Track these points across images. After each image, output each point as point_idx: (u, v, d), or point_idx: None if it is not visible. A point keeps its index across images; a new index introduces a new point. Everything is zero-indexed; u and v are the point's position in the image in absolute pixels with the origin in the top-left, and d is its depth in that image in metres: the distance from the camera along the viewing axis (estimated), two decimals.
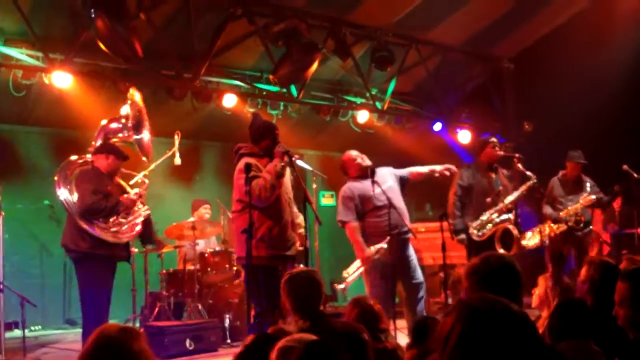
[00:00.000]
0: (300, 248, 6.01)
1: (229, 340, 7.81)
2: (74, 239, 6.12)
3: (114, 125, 6.61)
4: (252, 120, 5.98)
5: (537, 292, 4.49)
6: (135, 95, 6.89)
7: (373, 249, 6.50)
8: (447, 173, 7.07)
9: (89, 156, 6.45)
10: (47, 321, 9.59)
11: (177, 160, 7.38)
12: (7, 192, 9.51)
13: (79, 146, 6.53)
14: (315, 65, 8.70)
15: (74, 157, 6.29)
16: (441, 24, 9.96)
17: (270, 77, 8.93)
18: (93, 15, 6.88)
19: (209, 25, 8.40)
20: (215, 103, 8.98)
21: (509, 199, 7.23)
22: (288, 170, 5.79)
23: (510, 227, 7.13)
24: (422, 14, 9.39)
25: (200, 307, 8.04)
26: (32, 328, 9.06)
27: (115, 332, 2.34)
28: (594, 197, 8.23)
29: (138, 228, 6.52)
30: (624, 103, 9.53)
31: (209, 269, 8.36)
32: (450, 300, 6.23)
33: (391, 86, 10.38)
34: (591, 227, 8.62)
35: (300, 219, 6.01)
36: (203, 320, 7.80)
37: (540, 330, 3.62)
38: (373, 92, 10.32)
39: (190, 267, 8.37)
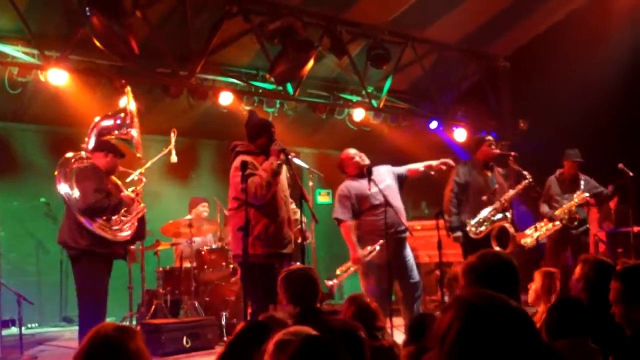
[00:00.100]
0: (305, 242, 6.06)
1: (225, 338, 7.82)
2: (73, 236, 6.10)
3: (109, 122, 6.56)
4: (248, 118, 5.99)
5: (534, 286, 4.50)
6: (130, 92, 6.88)
7: (367, 249, 6.53)
8: (444, 167, 7.07)
9: (83, 153, 6.41)
10: (44, 319, 9.61)
11: (174, 158, 7.37)
12: (3, 190, 9.54)
13: (74, 143, 6.50)
14: (311, 63, 8.71)
15: (70, 154, 6.26)
16: (437, 22, 9.97)
17: (267, 76, 8.94)
18: (88, 13, 6.88)
19: (204, 23, 8.41)
20: (212, 101, 8.97)
21: (505, 197, 7.25)
22: (284, 168, 5.80)
23: (507, 225, 7.15)
24: (418, 12, 9.39)
25: (197, 304, 8.04)
26: (29, 325, 9.09)
27: (111, 330, 2.34)
28: (587, 194, 8.25)
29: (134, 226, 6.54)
30: (619, 101, 9.54)
31: (205, 267, 8.37)
32: (446, 298, 6.23)
33: (387, 84, 10.38)
34: (587, 225, 8.64)
35: (297, 214, 6.01)
36: (200, 317, 7.80)
37: (537, 325, 3.64)
38: (369, 90, 10.32)
39: (187, 264, 8.37)
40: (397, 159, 7.65)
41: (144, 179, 6.75)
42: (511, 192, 7.32)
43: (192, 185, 11.05)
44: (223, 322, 7.91)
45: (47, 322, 9.63)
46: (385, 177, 6.78)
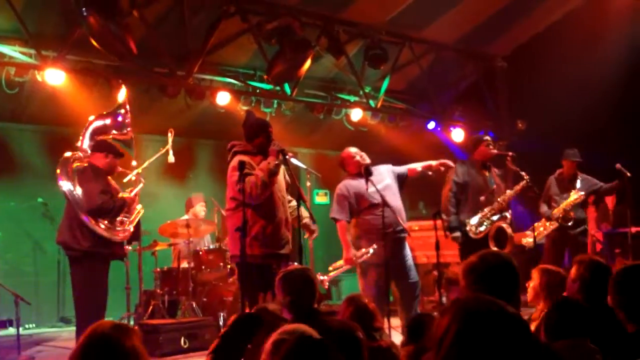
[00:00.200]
0: (313, 237, 6.16)
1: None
2: (75, 236, 6.06)
3: (106, 121, 6.52)
4: (245, 118, 5.98)
5: (532, 284, 4.50)
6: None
7: (361, 251, 6.55)
8: (442, 169, 7.09)
9: (80, 154, 6.38)
10: (41, 319, 9.60)
11: (171, 158, 7.38)
12: (0, 190, 9.53)
13: (72, 143, 6.49)
14: (308, 63, 8.71)
15: (68, 154, 6.24)
16: (434, 22, 9.97)
17: (265, 77, 8.95)
18: (85, 13, 6.87)
19: (202, 23, 8.40)
20: (209, 101, 8.97)
21: (504, 197, 7.25)
22: (282, 169, 5.79)
23: (504, 225, 7.15)
24: (416, 12, 9.39)
25: (194, 305, 8.03)
26: (27, 326, 9.07)
27: (108, 329, 2.34)
28: (582, 193, 8.27)
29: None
30: (617, 101, 9.54)
31: (203, 267, 8.36)
32: (444, 299, 6.23)
33: (384, 84, 10.38)
34: (585, 226, 8.65)
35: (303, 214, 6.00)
36: (197, 318, 7.79)
37: (537, 323, 3.64)
38: (366, 90, 10.32)
39: (184, 265, 8.36)
40: (394, 159, 7.65)
41: (142, 180, 6.75)
42: (509, 192, 7.32)
43: (190, 185, 11.03)
44: (221, 323, 7.89)
45: (45, 322, 9.62)
46: (385, 176, 6.79)
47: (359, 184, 6.59)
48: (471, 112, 11.40)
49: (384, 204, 6.33)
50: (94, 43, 7.08)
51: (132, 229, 6.51)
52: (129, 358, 2.28)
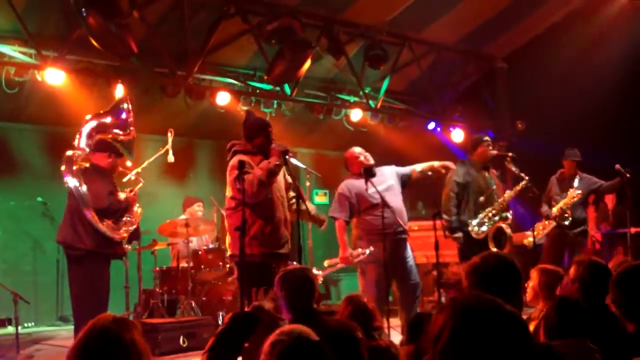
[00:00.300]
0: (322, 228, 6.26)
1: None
2: (78, 236, 6.05)
3: (106, 119, 6.50)
4: (245, 118, 5.98)
5: (531, 284, 4.51)
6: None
7: (358, 251, 6.57)
8: (443, 171, 7.11)
9: (79, 152, 6.34)
10: (40, 318, 9.60)
11: (171, 158, 7.38)
12: (0, 189, 9.53)
13: (71, 143, 6.49)
14: (308, 63, 8.71)
15: (70, 152, 6.23)
16: (434, 23, 9.97)
17: (265, 78, 8.95)
18: (85, 14, 6.88)
19: (202, 23, 8.41)
20: (209, 101, 8.98)
21: (504, 198, 7.25)
22: (283, 169, 5.79)
23: (504, 225, 7.15)
24: (416, 12, 9.39)
25: (193, 304, 8.04)
26: (25, 325, 9.07)
27: (109, 322, 2.34)
28: (579, 192, 8.28)
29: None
30: (617, 102, 9.55)
31: (202, 267, 8.37)
32: (443, 299, 6.25)
33: (384, 85, 10.38)
34: (585, 226, 8.66)
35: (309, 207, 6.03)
36: (196, 317, 7.80)
37: (535, 323, 3.65)
38: (366, 91, 10.32)
39: (183, 264, 8.37)
40: (394, 160, 7.66)
41: (141, 180, 6.75)
42: (509, 193, 7.33)
43: (189, 185, 11.05)
44: (220, 322, 7.90)
45: (44, 321, 9.62)
46: (388, 177, 6.81)
47: (360, 184, 6.60)
48: (471, 112, 11.40)
49: (384, 204, 6.34)
50: (94, 43, 7.08)
51: (130, 229, 6.52)
52: (128, 351, 2.28)
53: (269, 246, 5.58)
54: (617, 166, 8.13)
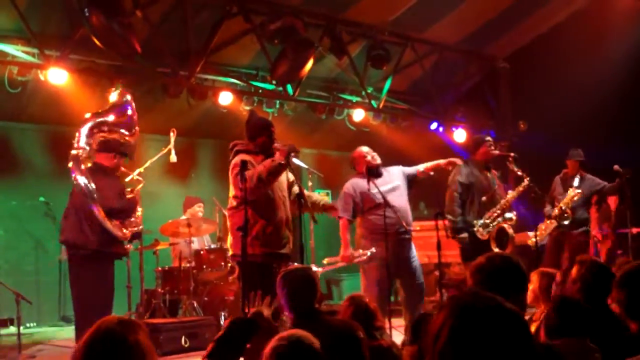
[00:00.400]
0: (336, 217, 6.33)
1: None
2: (85, 236, 6.01)
3: (108, 118, 6.48)
4: (248, 117, 5.98)
5: (531, 287, 4.51)
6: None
7: (360, 251, 6.58)
8: (450, 167, 7.11)
9: (81, 152, 6.31)
10: (42, 318, 9.61)
11: (173, 158, 7.38)
12: (2, 189, 9.55)
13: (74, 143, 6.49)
14: (310, 63, 8.71)
15: (75, 151, 6.21)
16: (437, 23, 9.97)
17: (269, 78, 8.96)
18: (87, 14, 6.88)
19: (205, 23, 8.41)
20: (211, 101, 8.98)
21: (508, 198, 7.23)
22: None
23: (505, 225, 7.13)
24: (418, 12, 9.39)
25: (195, 304, 8.03)
26: (28, 325, 9.08)
27: (114, 324, 2.33)
28: (579, 191, 8.28)
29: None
30: (620, 103, 9.54)
31: (204, 267, 8.37)
32: (445, 299, 6.25)
33: (387, 85, 10.39)
34: (587, 227, 8.66)
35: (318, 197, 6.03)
36: (198, 317, 7.79)
37: (536, 325, 3.64)
38: (369, 91, 10.32)
39: (185, 264, 8.37)
40: (396, 160, 7.66)
41: (142, 180, 6.75)
42: (512, 193, 7.31)
43: (192, 185, 11.05)
44: (222, 322, 7.89)
45: (46, 321, 9.63)
46: (395, 178, 6.83)
47: (365, 183, 6.60)
48: (473, 112, 11.40)
49: (386, 204, 6.35)
50: (97, 42, 7.09)
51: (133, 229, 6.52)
52: (133, 353, 2.27)
53: (271, 246, 5.58)
54: (616, 167, 8.12)
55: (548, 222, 8.34)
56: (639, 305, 3.17)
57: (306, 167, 6.21)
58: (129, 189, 6.61)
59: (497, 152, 7.52)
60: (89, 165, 6.22)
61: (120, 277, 7.44)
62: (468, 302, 1.74)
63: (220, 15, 8.35)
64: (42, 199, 9.52)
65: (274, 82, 9.06)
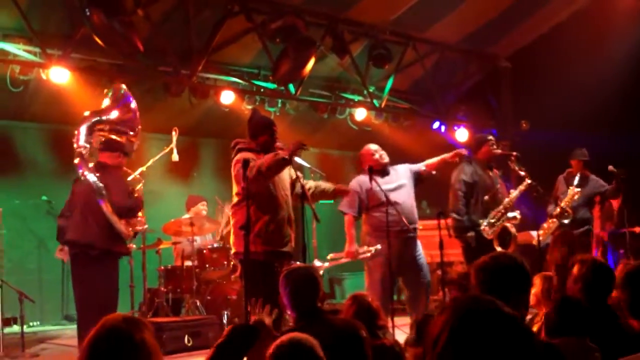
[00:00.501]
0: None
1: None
2: (93, 235, 5.98)
3: (113, 114, 6.45)
4: (250, 115, 5.98)
5: (534, 290, 4.51)
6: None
7: (365, 248, 6.59)
8: (456, 159, 7.12)
9: (82, 150, 6.28)
10: (46, 317, 9.61)
11: (175, 157, 7.37)
12: (5, 188, 9.55)
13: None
14: (312, 62, 8.72)
15: (79, 149, 6.19)
16: (438, 23, 9.98)
17: (271, 78, 8.96)
18: (88, 13, 6.89)
19: (206, 22, 8.41)
20: (213, 100, 8.98)
21: (511, 197, 7.22)
22: (286, 169, 5.78)
23: (508, 225, 7.13)
24: (420, 12, 9.40)
25: (198, 303, 8.04)
26: (31, 324, 9.10)
27: (119, 322, 2.33)
28: (578, 189, 8.28)
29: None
30: (621, 102, 9.54)
31: (207, 265, 8.37)
32: (447, 298, 6.25)
33: (389, 84, 10.39)
34: (589, 226, 8.66)
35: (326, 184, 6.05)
36: (201, 316, 7.80)
37: (538, 327, 3.65)
38: (370, 90, 10.33)
39: (188, 263, 8.37)
40: (398, 159, 7.65)
41: (142, 179, 6.75)
42: (514, 192, 7.31)
43: (194, 184, 11.05)
44: (224, 321, 7.90)
45: (49, 320, 9.64)
46: (402, 176, 6.86)
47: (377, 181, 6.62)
48: (475, 112, 11.41)
49: (388, 203, 6.35)
50: (99, 41, 7.09)
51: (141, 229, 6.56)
52: (138, 351, 2.27)
53: (272, 244, 5.58)
54: (610, 167, 8.14)
55: (550, 221, 8.34)
56: None
57: (308, 166, 6.21)
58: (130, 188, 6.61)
59: (499, 151, 7.51)
60: (92, 164, 6.22)
61: (123, 276, 7.43)
62: (468, 306, 1.75)
63: (222, 14, 8.36)
64: (44, 197, 9.53)
65: (276, 82, 9.06)
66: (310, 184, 6.03)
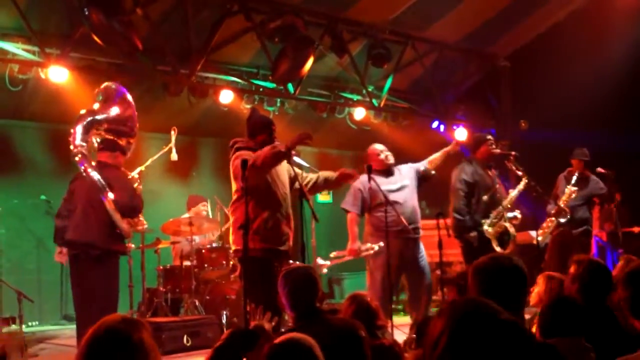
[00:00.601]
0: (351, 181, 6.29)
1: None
2: (96, 235, 5.94)
3: (112, 112, 6.42)
4: (249, 114, 5.98)
5: (537, 290, 4.51)
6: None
7: (367, 245, 6.59)
8: (457, 147, 7.16)
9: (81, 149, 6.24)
10: (45, 317, 9.60)
11: (174, 156, 7.38)
12: (3, 187, 9.54)
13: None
14: (311, 61, 8.71)
15: (80, 148, 6.17)
16: (438, 22, 9.98)
17: (270, 78, 8.96)
18: (87, 12, 6.88)
19: (205, 21, 8.41)
20: (212, 99, 8.98)
21: (511, 197, 7.22)
22: (285, 167, 5.78)
23: (507, 225, 7.13)
24: (419, 11, 9.40)
25: (197, 303, 8.03)
26: (30, 324, 9.08)
27: (117, 322, 2.33)
28: (575, 188, 8.29)
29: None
30: (620, 101, 9.55)
31: (206, 265, 8.36)
32: (447, 298, 6.26)
33: (388, 83, 10.39)
34: (588, 226, 8.67)
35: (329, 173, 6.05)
36: (200, 316, 7.79)
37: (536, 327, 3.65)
38: (369, 89, 10.33)
39: (187, 263, 8.36)
40: (397, 158, 7.65)
41: (138, 179, 6.74)
42: (513, 192, 7.30)
43: (193, 183, 11.05)
44: (224, 321, 7.90)
45: (48, 320, 9.63)
46: (405, 177, 6.90)
47: (376, 180, 6.61)
48: (474, 111, 11.40)
49: (387, 203, 6.35)
50: (98, 40, 7.09)
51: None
52: (136, 351, 2.27)
53: (270, 242, 5.57)
54: (599, 169, 8.16)
55: (549, 220, 8.35)
56: None
57: (307, 165, 6.20)
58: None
59: (498, 150, 7.51)
60: (99, 162, 6.21)
61: (122, 276, 7.42)
62: (466, 310, 1.75)
63: (221, 14, 8.36)
64: (43, 197, 9.52)
65: (275, 81, 9.05)
66: (311, 176, 6.01)
